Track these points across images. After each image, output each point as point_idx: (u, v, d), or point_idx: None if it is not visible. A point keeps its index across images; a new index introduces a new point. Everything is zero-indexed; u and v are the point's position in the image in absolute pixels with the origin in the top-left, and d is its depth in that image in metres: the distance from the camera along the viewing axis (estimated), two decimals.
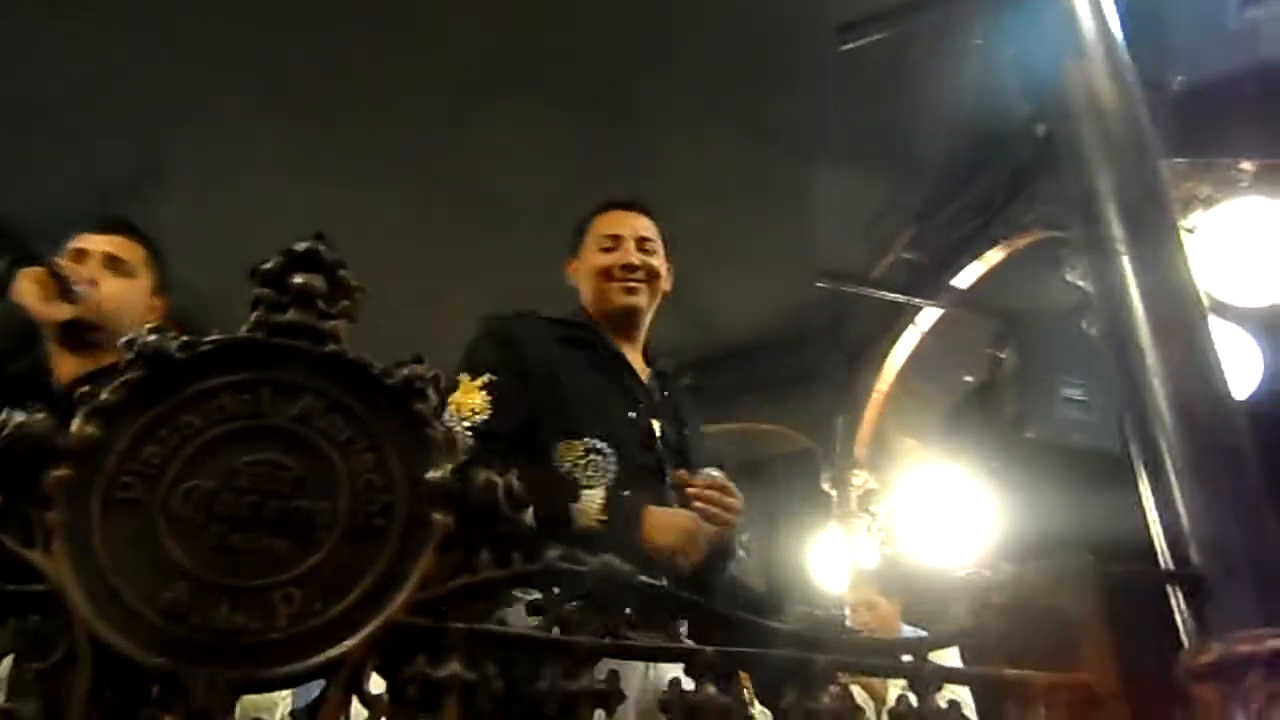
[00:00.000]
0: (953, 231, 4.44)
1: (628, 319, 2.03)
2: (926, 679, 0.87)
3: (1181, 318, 1.26)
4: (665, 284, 2.09)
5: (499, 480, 0.83)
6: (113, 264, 1.97)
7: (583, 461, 1.75)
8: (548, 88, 4.09)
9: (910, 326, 4.76)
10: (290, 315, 0.86)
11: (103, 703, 0.69)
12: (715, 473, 1.82)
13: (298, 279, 0.88)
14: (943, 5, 3.36)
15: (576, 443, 1.77)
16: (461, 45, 4.06)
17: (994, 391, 4.50)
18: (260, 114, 4.34)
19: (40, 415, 0.76)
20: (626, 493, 1.72)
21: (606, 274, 2.01)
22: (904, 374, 5.01)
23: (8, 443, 0.74)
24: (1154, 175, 1.37)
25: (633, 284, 2.00)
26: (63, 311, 1.85)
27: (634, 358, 2.03)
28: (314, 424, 0.82)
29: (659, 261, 2.07)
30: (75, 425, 0.76)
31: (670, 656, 0.83)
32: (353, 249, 0.96)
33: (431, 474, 0.82)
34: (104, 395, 0.78)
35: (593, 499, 1.67)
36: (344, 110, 4.35)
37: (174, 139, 4.42)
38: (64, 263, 1.89)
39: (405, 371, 0.85)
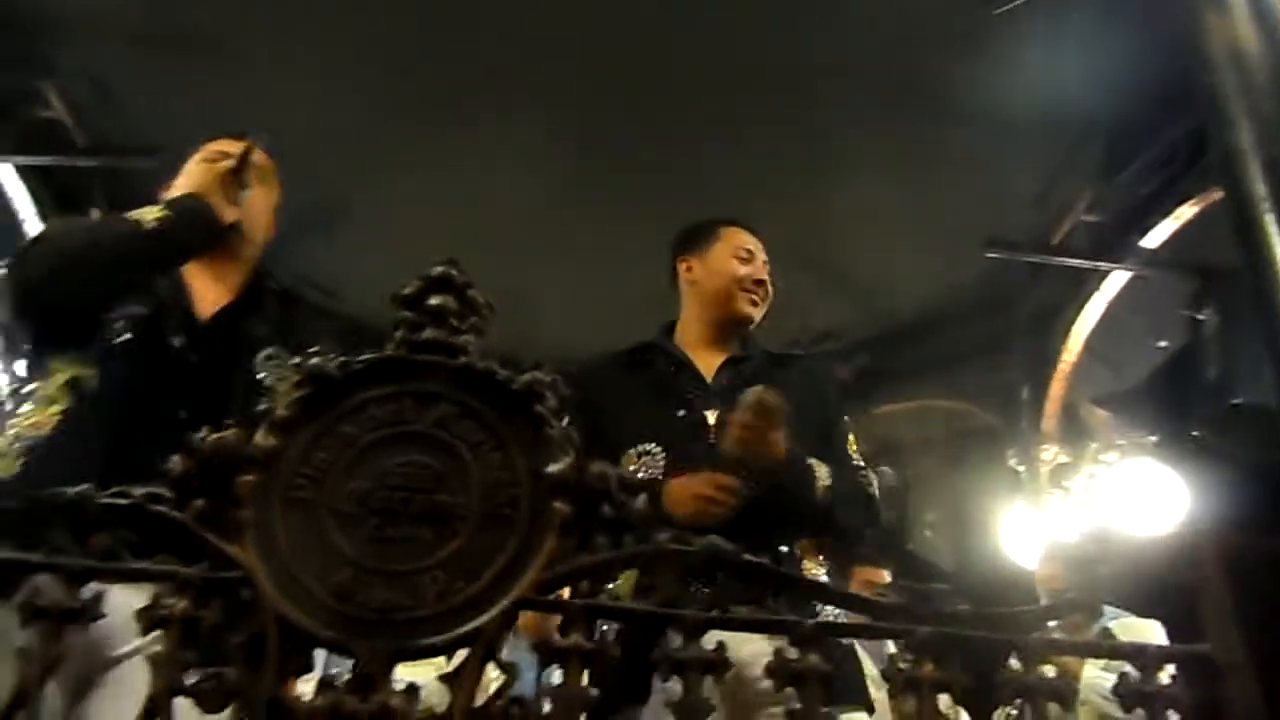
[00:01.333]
0: (1138, 190, 4.19)
1: (740, 326, 2.18)
2: (1032, 651, 0.90)
3: None
4: None
5: (611, 471, 0.92)
6: (259, 174, 1.88)
7: (634, 465, 1.95)
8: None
9: (1096, 292, 4.52)
10: (427, 333, 0.98)
11: (287, 669, 0.83)
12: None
13: (433, 300, 1.00)
14: None
15: (630, 450, 1.98)
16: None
17: (1194, 356, 4.23)
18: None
19: (231, 429, 0.92)
20: None
21: (739, 282, 2.15)
22: (1092, 342, 4.77)
23: (208, 455, 0.90)
24: None
25: (758, 298, 2.18)
26: (232, 214, 1.78)
27: (705, 358, 2.15)
28: (449, 428, 0.93)
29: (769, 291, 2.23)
30: (259, 436, 0.91)
31: (770, 628, 0.90)
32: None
33: (551, 467, 0.92)
34: (279, 410, 0.93)
35: None
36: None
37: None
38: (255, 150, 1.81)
39: (527, 378, 0.96)
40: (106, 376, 1.64)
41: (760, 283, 2.18)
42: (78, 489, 0.89)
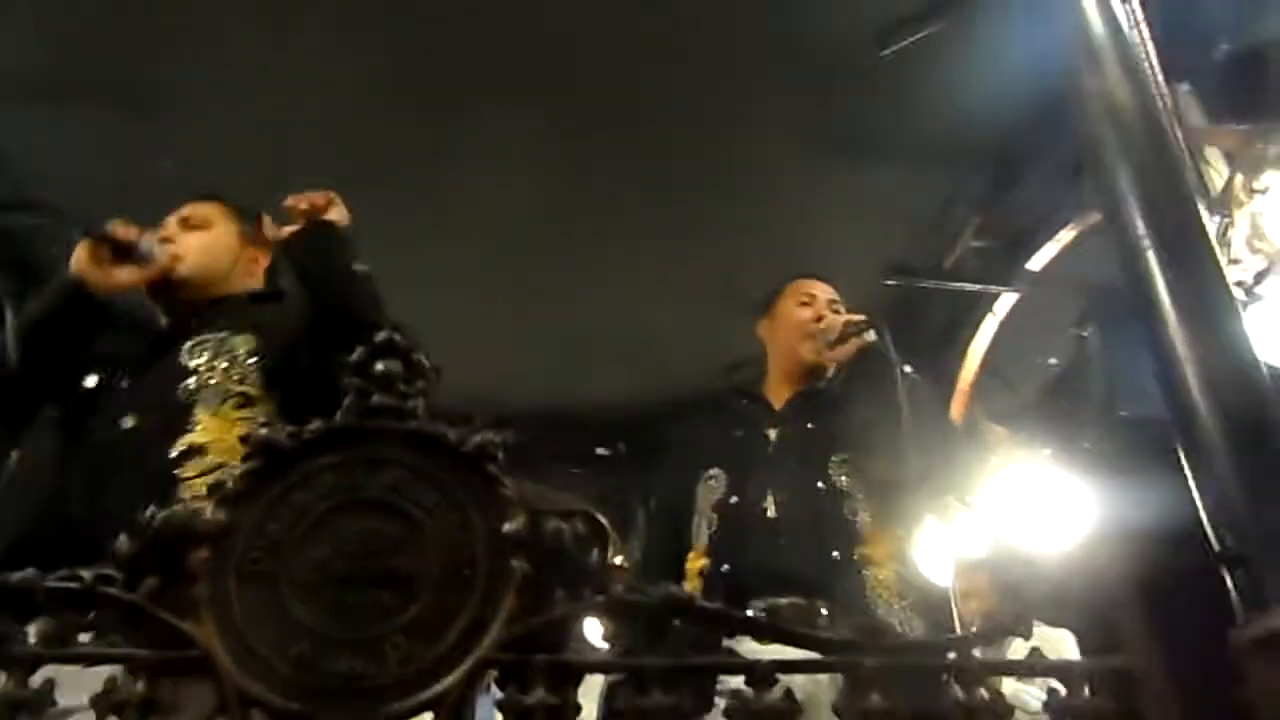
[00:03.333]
0: (1022, 215, 4.42)
1: (812, 373, 2.35)
2: (973, 673, 0.96)
3: (1212, 309, 1.31)
4: None
5: (565, 526, 0.95)
6: (183, 223, 2.12)
7: (704, 489, 2.17)
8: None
9: (989, 315, 4.74)
10: (376, 399, 0.99)
11: None
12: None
13: (379, 366, 1.02)
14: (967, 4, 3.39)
15: (703, 476, 2.21)
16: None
17: (1082, 371, 4.46)
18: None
19: (178, 507, 0.92)
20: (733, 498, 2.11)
21: (803, 327, 2.35)
22: (986, 362, 4.99)
23: (156, 532, 0.89)
24: (1174, 172, 1.41)
25: (824, 338, 2.32)
26: (133, 275, 1.99)
27: (777, 390, 2.35)
28: (403, 492, 0.95)
29: None
30: (210, 511, 0.91)
31: (731, 670, 0.94)
32: None
33: (507, 526, 0.94)
34: (229, 485, 0.93)
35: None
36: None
37: None
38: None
39: (477, 439, 0.98)
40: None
41: (824, 318, 2.34)
42: (21, 574, 0.87)
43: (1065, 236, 4.27)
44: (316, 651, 0.86)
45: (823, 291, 2.45)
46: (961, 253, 4.70)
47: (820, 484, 2.12)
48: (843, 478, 2.16)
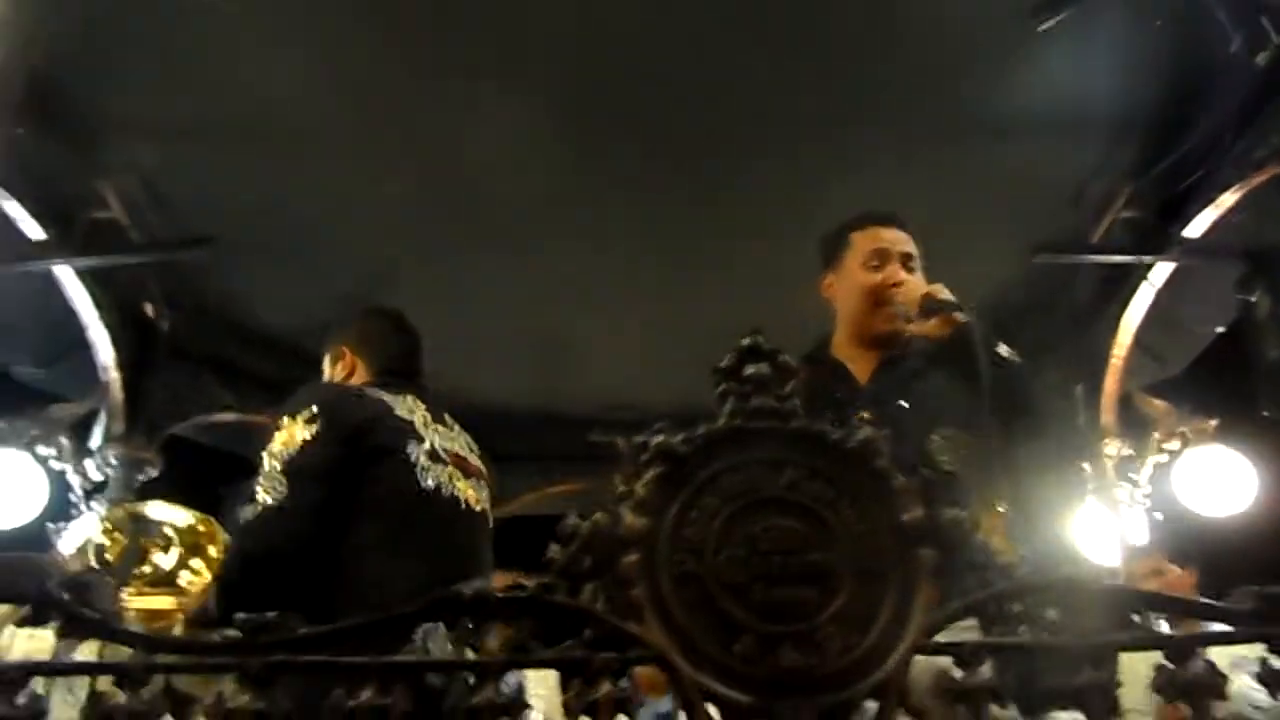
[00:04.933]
0: (1176, 182, 4.27)
1: (884, 341, 2.09)
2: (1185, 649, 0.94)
3: None
4: None
5: (963, 515, 0.97)
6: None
7: None
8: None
9: (1144, 283, 4.60)
10: (755, 402, 1.03)
11: None
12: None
13: (749, 369, 1.05)
14: None
15: None
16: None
17: (1250, 338, 4.30)
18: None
19: (598, 515, 0.97)
20: None
21: (873, 295, 2.07)
22: (1142, 334, 4.84)
23: (587, 540, 0.94)
24: None
25: (900, 303, 2.02)
26: None
27: (861, 363, 2.10)
28: (801, 490, 0.98)
29: (920, 278, 2.11)
30: (628, 518, 0.96)
31: (1150, 645, 0.94)
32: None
33: (905, 518, 0.97)
34: (639, 491, 0.97)
35: None
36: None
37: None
38: None
39: (860, 436, 1.01)
40: None
41: (900, 284, 2.06)
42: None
43: (1225, 201, 4.11)
44: (759, 646, 0.90)
45: (894, 243, 2.11)
46: (1111, 224, 4.56)
47: (924, 469, 1.93)
48: (944, 457, 1.94)
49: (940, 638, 0.93)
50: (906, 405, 2.00)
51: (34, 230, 4.08)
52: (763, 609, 0.91)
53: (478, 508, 2.19)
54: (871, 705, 0.89)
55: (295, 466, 1.92)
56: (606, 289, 5.28)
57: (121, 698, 0.86)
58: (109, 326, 4.51)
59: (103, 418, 4.70)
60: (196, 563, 3.56)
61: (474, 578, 2.22)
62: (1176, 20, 3.84)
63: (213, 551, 3.60)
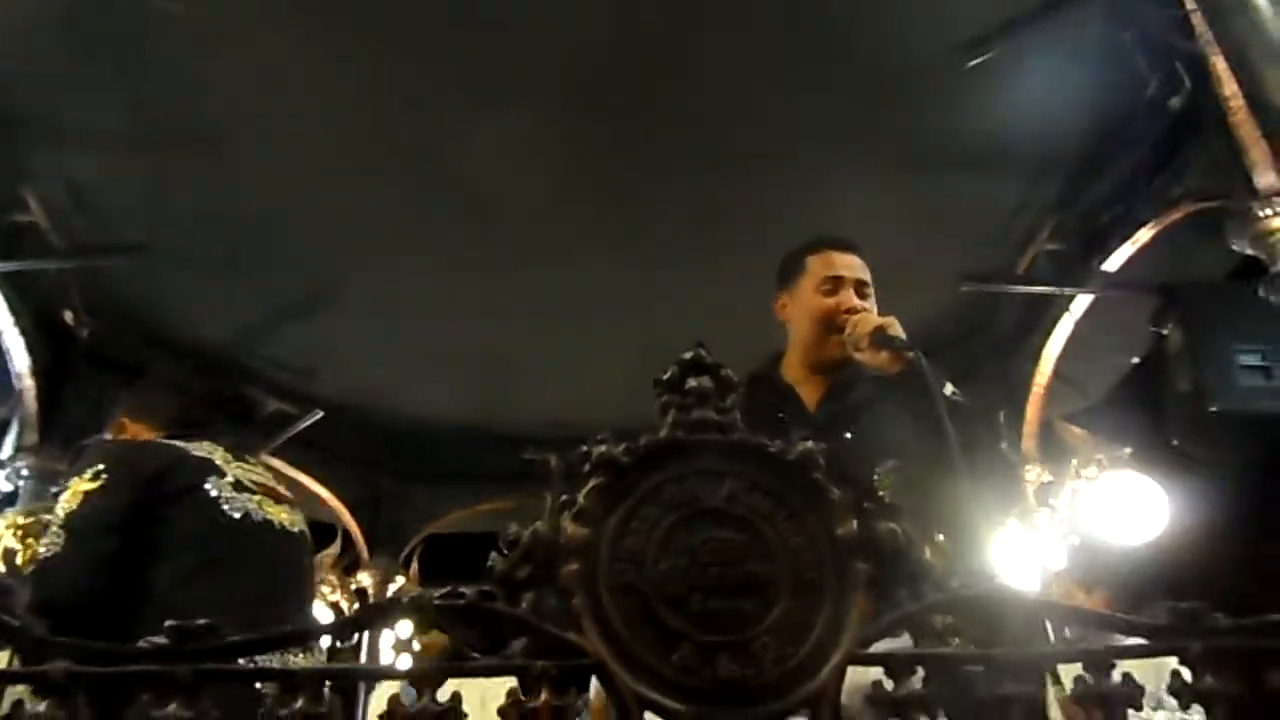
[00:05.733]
0: (1096, 218, 4.45)
1: (836, 367, 2.12)
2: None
3: None
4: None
5: (898, 528, 0.99)
6: None
7: None
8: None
9: (1065, 315, 4.77)
10: (696, 414, 1.04)
11: None
12: None
13: (692, 382, 1.06)
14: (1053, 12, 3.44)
15: None
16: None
17: (1162, 370, 4.47)
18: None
19: (539, 524, 0.96)
20: None
21: (826, 319, 2.10)
22: (1061, 364, 5.01)
23: (527, 549, 0.94)
24: None
25: (854, 336, 2.03)
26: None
27: (809, 387, 2.14)
28: (741, 501, 0.99)
29: (873, 305, 2.16)
30: (569, 528, 0.96)
31: (1070, 659, 0.97)
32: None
33: (841, 530, 0.99)
34: (580, 501, 0.98)
35: None
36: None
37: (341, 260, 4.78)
38: None
39: (800, 449, 1.02)
40: None
41: (853, 312, 2.09)
42: (413, 593, 0.92)
43: (1142, 237, 4.29)
44: (697, 656, 0.90)
45: (849, 269, 2.15)
46: (1035, 257, 4.73)
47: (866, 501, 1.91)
48: (885, 489, 1.93)
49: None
50: (851, 436, 2.02)
51: None
52: (701, 619, 0.92)
53: (295, 529, 2.24)
54: (803, 716, 0.90)
55: (75, 520, 1.96)
56: (544, 307, 5.29)
57: (42, 706, 0.83)
58: (24, 333, 4.36)
59: (15, 427, 4.53)
60: None
61: (295, 594, 2.27)
62: (1098, 63, 4.02)
63: None
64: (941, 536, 2.06)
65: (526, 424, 5.82)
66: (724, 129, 4.38)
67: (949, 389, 2.00)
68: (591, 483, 0.98)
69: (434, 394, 5.80)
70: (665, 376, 1.07)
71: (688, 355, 1.08)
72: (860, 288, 2.16)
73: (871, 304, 2.15)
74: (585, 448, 1.01)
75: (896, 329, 2.02)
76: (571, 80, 4.06)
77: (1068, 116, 4.23)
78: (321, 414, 5.49)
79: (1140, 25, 3.61)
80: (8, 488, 4.41)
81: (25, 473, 4.45)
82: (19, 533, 2.88)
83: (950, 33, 3.78)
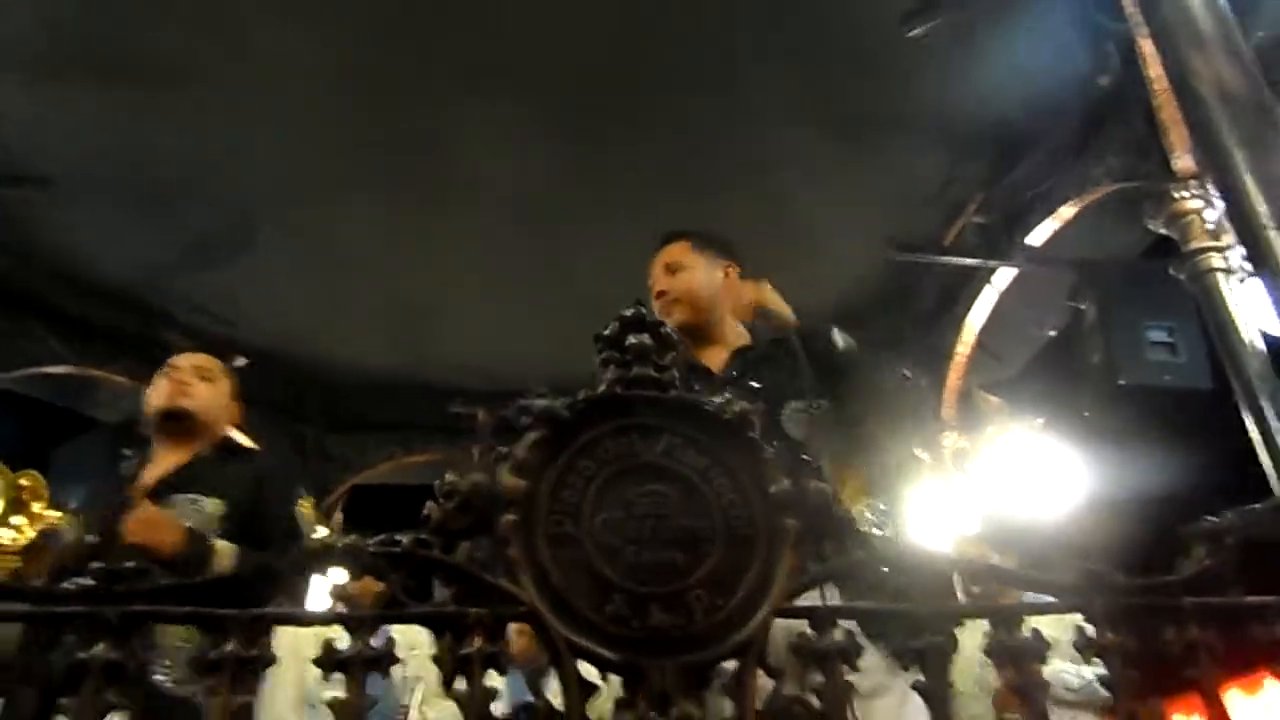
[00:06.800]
0: (1022, 193, 4.56)
1: (685, 333, 2.22)
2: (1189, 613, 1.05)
3: None
4: (716, 285, 2.29)
5: (826, 486, 1.02)
6: (203, 373, 2.47)
7: None
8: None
9: (986, 287, 4.90)
10: (635, 371, 1.05)
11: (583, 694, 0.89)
12: None
13: (632, 339, 1.07)
14: None
15: None
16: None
17: (1076, 343, 4.64)
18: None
19: (477, 474, 0.97)
20: None
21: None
22: (983, 334, 5.15)
23: (465, 499, 0.95)
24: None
25: (664, 306, 2.25)
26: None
27: (711, 356, 2.24)
28: (676, 457, 1.01)
29: (690, 276, 2.28)
30: (507, 479, 0.97)
31: (981, 613, 1.02)
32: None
33: (774, 488, 1.01)
34: (519, 453, 0.98)
35: None
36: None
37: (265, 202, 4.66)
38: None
39: (737, 408, 1.04)
40: None
41: (660, 294, 2.28)
42: (348, 539, 0.92)
43: (1064, 214, 4.42)
44: (629, 606, 0.92)
45: (658, 262, 2.36)
46: (962, 229, 4.83)
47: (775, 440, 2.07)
48: (792, 429, 2.09)
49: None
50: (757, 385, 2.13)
51: None
52: (634, 571, 0.94)
53: None
54: (732, 664, 0.93)
55: None
56: (473, 258, 5.22)
57: None
58: None
59: None
60: (18, 519, 3.40)
61: None
62: (1034, 39, 4.09)
63: (36, 508, 3.44)
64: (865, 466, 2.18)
65: (454, 376, 5.78)
66: (661, 90, 4.36)
67: (840, 337, 2.18)
68: (531, 435, 0.99)
69: (362, 344, 5.70)
70: (605, 332, 1.08)
71: (628, 312, 1.09)
72: (669, 269, 2.31)
73: (691, 274, 2.28)
74: (524, 401, 1.01)
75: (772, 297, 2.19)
76: (520, 31, 4.00)
77: (1001, 91, 4.30)
78: (245, 361, 5.35)
79: (1074, 4, 3.68)
80: None
81: None
82: None
83: (891, 3, 3.80)
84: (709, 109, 4.41)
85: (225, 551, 2.11)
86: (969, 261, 4.83)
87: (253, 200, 4.71)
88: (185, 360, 2.47)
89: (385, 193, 4.66)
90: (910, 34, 3.62)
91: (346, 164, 4.43)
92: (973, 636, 1.00)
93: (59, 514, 3.32)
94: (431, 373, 5.87)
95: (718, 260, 2.32)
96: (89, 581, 0.85)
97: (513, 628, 0.96)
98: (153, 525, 2.05)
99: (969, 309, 5.07)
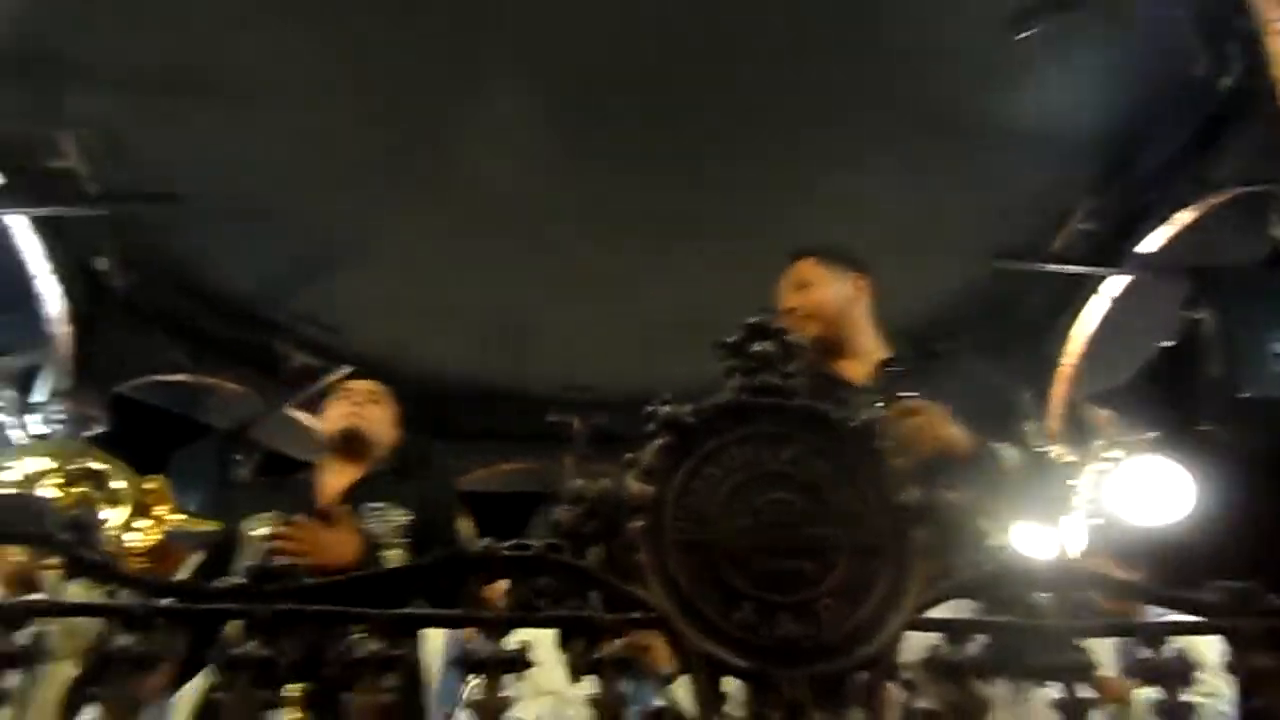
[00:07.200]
0: (1134, 199, 4.40)
1: (820, 349, 2.25)
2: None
3: None
4: (845, 298, 2.29)
5: (957, 498, 1.00)
6: (372, 397, 2.63)
7: None
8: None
9: (1094, 296, 4.74)
10: (760, 379, 1.05)
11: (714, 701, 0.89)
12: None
13: (756, 347, 1.07)
14: None
15: None
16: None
17: (1193, 354, 4.44)
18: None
19: (604, 480, 0.98)
20: None
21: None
22: (1091, 344, 4.98)
23: (593, 504, 0.96)
24: None
25: (796, 322, 2.22)
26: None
27: (854, 368, 2.24)
28: (802, 466, 1.00)
29: (819, 292, 2.29)
30: (633, 485, 0.97)
31: (1126, 631, 0.99)
32: None
33: (902, 497, 1.00)
34: (646, 459, 0.99)
35: None
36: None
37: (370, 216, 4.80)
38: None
39: (863, 417, 1.03)
40: None
41: (791, 310, 2.27)
42: (483, 543, 0.94)
43: (1181, 219, 4.25)
44: (758, 614, 0.92)
45: (786, 280, 2.37)
46: (1069, 235, 4.69)
47: None
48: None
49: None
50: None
51: None
52: (763, 579, 0.94)
53: None
54: (863, 676, 0.92)
55: None
56: (569, 269, 5.28)
57: (124, 640, 0.85)
58: (60, 279, 4.40)
59: (49, 371, 4.59)
60: (144, 522, 3.50)
61: None
62: (1148, 39, 3.95)
63: (161, 512, 3.55)
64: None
65: (549, 385, 5.85)
66: (755, 98, 4.35)
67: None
68: (657, 441, 1.00)
69: (459, 352, 5.82)
70: (730, 340, 1.08)
71: (753, 320, 1.09)
72: (799, 287, 2.33)
73: (817, 290, 2.29)
74: (650, 407, 1.02)
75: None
76: (597, 46, 4.04)
77: (1112, 93, 4.17)
78: (348, 369, 5.52)
79: (1194, 2, 3.55)
80: (42, 431, 4.47)
81: (58, 416, 4.51)
82: (62, 479, 2.93)
83: (998, 5, 3.72)
84: (806, 116, 4.37)
85: (395, 561, 2.19)
86: (1076, 269, 4.68)
87: (358, 213, 4.86)
88: (359, 385, 2.67)
89: (478, 207, 4.75)
90: (1018, 38, 3.54)
91: (442, 180, 4.54)
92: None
93: (181, 517, 3.44)
94: (527, 381, 5.96)
95: (846, 273, 2.34)
96: (240, 580, 0.89)
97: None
98: (329, 546, 2.13)
99: (1076, 319, 4.90)
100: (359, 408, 2.55)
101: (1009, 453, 1.93)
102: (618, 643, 0.91)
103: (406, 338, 5.62)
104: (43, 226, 4.25)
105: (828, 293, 2.30)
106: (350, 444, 2.49)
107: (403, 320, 5.55)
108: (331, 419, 2.54)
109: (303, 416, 5.66)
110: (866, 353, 2.27)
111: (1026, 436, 2.13)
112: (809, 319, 2.25)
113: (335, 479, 2.46)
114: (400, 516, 2.36)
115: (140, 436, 4.85)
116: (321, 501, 2.37)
